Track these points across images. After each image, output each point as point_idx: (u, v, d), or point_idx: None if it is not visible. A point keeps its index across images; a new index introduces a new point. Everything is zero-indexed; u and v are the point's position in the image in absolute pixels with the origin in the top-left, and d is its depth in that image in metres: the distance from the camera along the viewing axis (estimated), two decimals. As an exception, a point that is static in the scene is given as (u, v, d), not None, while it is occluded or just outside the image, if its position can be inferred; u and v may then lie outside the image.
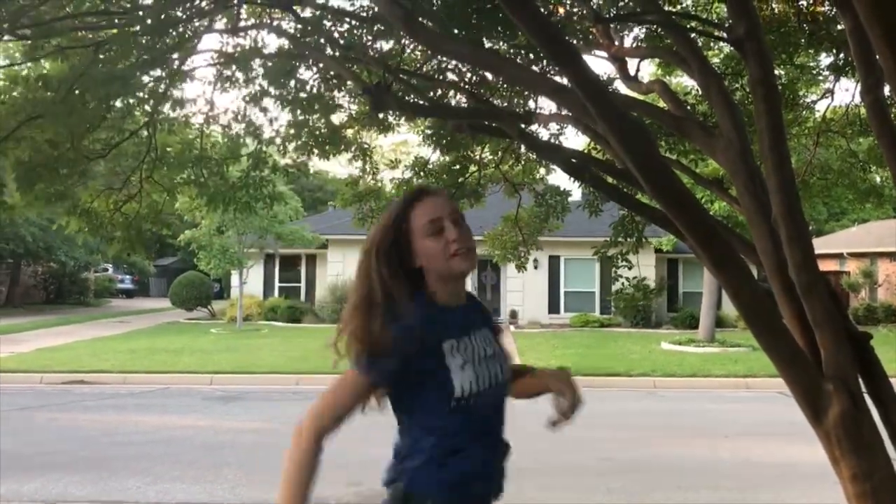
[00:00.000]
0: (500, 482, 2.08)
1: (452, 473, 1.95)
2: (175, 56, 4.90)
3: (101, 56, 4.54)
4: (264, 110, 5.33)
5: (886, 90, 3.70)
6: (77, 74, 4.33)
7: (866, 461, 2.83)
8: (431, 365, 1.94)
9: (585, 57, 3.88)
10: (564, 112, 4.28)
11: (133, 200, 5.89)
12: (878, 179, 9.40)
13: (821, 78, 7.41)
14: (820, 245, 25.36)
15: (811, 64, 6.94)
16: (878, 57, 3.06)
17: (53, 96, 4.52)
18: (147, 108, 5.32)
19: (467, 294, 2.15)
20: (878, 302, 25.86)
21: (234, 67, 4.94)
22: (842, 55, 5.87)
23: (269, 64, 4.86)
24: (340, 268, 24.72)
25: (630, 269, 5.87)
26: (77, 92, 4.43)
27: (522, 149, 6.58)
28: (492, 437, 2.05)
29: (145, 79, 4.95)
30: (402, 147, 29.55)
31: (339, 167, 36.52)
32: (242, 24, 5.11)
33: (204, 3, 4.58)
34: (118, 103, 5.27)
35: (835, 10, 5.00)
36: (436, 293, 2.05)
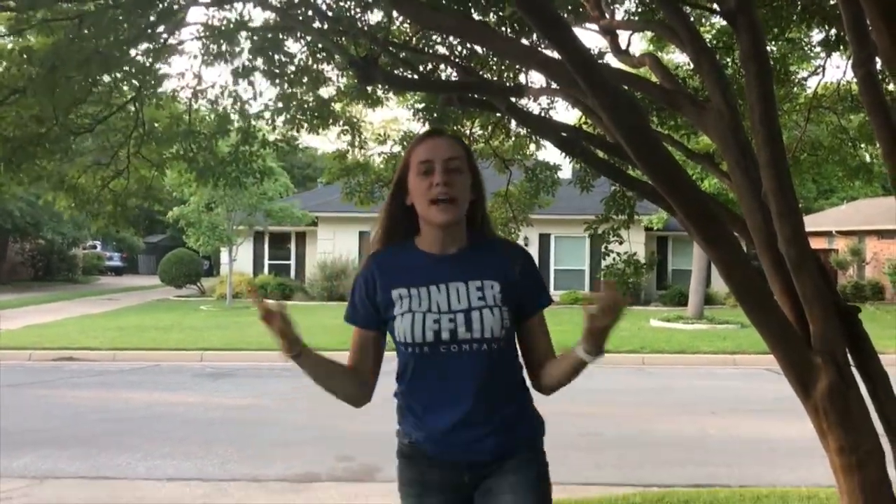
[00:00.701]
0: (457, 451, 2.05)
1: (406, 418, 2.11)
2: (161, 30, 4.83)
3: (85, 31, 4.46)
4: (251, 84, 5.27)
5: (878, 65, 3.68)
6: (61, 50, 4.26)
7: (853, 434, 2.85)
8: (388, 308, 2.05)
9: (575, 30, 3.84)
10: (555, 86, 4.25)
11: (121, 176, 5.83)
12: (867, 157, 9.40)
13: (812, 54, 7.39)
14: (809, 223, 25.36)
15: (803, 39, 6.91)
16: (871, 30, 3.05)
17: (38, 71, 4.45)
18: (134, 82, 5.25)
19: (488, 241, 2.14)
20: (865, 280, 26.04)
21: (220, 41, 4.88)
22: (833, 31, 5.85)
23: (256, 37, 4.80)
24: (330, 245, 24.68)
25: (621, 244, 5.87)
26: (61, 67, 4.36)
27: (513, 124, 6.54)
28: (449, 397, 2.02)
29: (132, 52, 4.88)
30: (393, 124, 29.41)
31: (328, 144, 36.37)
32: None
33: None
34: (106, 77, 5.20)
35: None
36: (422, 237, 2.11)
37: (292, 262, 27.11)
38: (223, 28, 4.68)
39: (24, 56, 4.41)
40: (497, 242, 2.17)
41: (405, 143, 6.83)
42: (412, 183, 2.07)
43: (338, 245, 24.56)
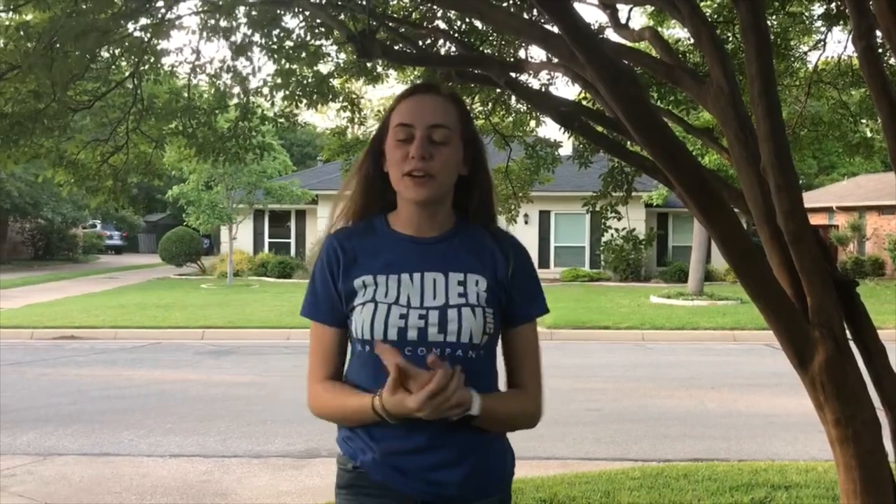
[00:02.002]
0: (414, 481, 1.66)
1: (354, 436, 1.70)
2: (159, 4, 4.80)
3: (83, 6, 4.43)
4: (250, 59, 5.24)
5: (879, 38, 3.66)
6: (58, 24, 4.24)
7: (849, 406, 2.87)
8: (350, 299, 1.69)
9: (575, 4, 3.82)
10: (555, 60, 4.23)
11: (120, 152, 5.82)
12: (868, 133, 9.37)
13: (813, 28, 7.34)
14: (809, 199, 25.44)
15: (804, 13, 6.87)
16: (871, 3, 3.03)
17: (36, 46, 4.43)
18: (133, 57, 5.22)
19: (478, 228, 1.76)
20: (865, 255, 26.07)
21: (218, 16, 4.85)
22: (834, 4, 5.81)
23: (254, 12, 4.77)
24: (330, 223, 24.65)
25: (619, 220, 5.87)
26: (59, 42, 4.34)
27: (513, 101, 6.52)
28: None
29: (130, 27, 4.85)
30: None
31: (328, 121, 36.23)
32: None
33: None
34: (104, 53, 5.18)
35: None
36: (397, 214, 1.75)
37: (292, 239, 27.14)
38: (221, 3, 4.65)
39: (21, 32, 4.38)
40: (489, 231, 1.77)
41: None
42: (388, 148, 1.70)
43: (338, 223, 24.53)
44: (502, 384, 1.79)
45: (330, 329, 1.72)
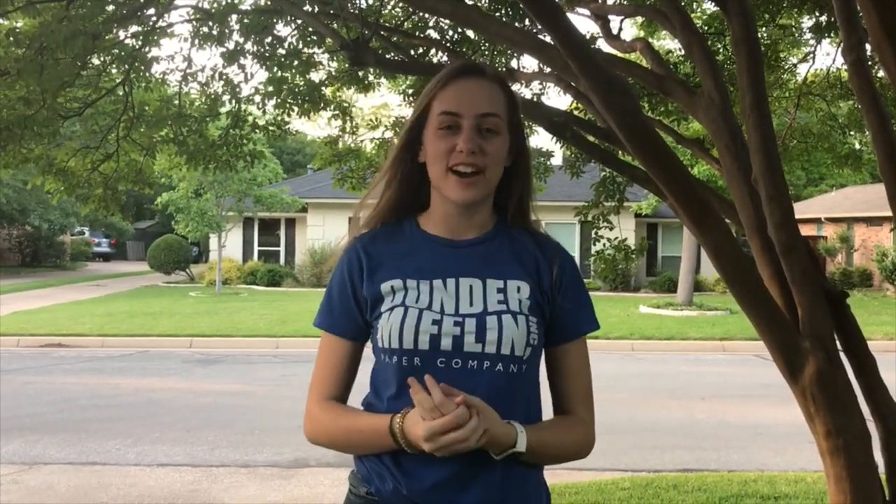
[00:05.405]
0: None
1: (372, 457, 1.51)
2: (150, 12, 4.80)
3: (73, 12, 4.43)
4: (242, 67, 5.24)
5: (868, 51, 3.69)
6: (48, 29, 4.23)
7: (840, 417, 2.88)
8: (375, 306, 1.52)
9: (567, 15, 3.84)
10: (547, 70, 4.25)
11: (111, 160, 5.80)
12: (857, 144, 9.44)
13: (802, 41, 7.40)
14: (798, 210, 25.42)
15: (794, 26, 6.92)
16: (861, 16, 3.05)
17: (25, 52, 4.41)
18: (124, 65, 5.22)
19: (518, 230, 1.59)
20: (853, 266, 26.22)
21: (210, 23, 4.85)
22: (824, 17, 5.86)
23: (246, 20, 4.77)
24: (320, 232, 24.61)
25: (611, 230, 5.88)
26: (49, 48, 4.33)
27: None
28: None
29: (120, 34, 4.85)
30: (384, 110, 29.34)
31: (318, 129, 36.25)
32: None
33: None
34: (95, 60, 5.17)
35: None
36: (430, 214, 1.57)
37: (282, 248, 27.06)
38: (213, 10, 4.65)
39: (11, 38, 4.37)
40: (531, 235, 1.59)
41: (397, 129, 6.79)
42: (429, 138, 1.51)
43: (327, 231, 24.50)
44: (546, 405, 1.63)
45: (342, 342, 1.55)
